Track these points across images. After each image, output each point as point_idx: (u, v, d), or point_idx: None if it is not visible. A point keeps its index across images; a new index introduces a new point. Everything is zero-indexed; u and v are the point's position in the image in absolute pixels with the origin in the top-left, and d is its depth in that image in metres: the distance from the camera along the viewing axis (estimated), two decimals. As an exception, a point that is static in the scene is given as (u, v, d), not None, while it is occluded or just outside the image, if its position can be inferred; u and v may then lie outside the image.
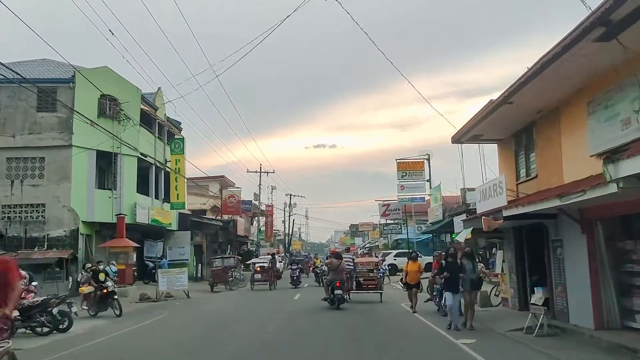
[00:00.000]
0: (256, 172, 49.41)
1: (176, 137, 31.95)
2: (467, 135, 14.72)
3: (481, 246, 30.07)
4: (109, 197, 25.41)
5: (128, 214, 25.86)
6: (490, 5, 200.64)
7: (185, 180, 30.76)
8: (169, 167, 30.75)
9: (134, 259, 25.65)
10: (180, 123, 34.48)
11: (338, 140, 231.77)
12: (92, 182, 24.89)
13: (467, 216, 18.29)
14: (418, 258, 16.30)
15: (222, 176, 51.43)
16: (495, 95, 13.16)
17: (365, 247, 77.67)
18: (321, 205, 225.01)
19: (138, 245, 26.06)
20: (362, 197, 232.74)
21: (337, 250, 29.38)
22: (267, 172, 50.12)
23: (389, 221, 48.65)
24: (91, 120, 21.20)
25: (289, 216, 77.29)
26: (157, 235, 32.63)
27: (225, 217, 41.62)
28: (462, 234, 15.04)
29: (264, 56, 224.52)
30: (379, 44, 36.55)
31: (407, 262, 16.08)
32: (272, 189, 74.79)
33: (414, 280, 15.44)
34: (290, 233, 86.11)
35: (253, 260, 28.16)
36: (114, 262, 21.90)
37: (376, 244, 70.48)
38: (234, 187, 41.74)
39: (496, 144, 15.78)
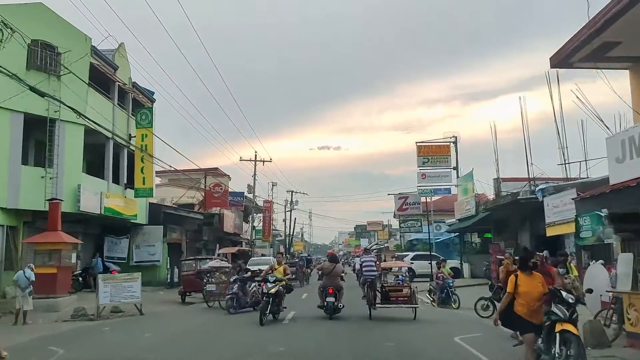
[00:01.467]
0: (250, 160, 42.91)
1: (145, 107, 25.47)
2: (590, 46, 8.18)
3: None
4: (42, 177, 18.98)
5: (68, 200, 19.46)
6: (497, 9, 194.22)
7: (153, 160, 24.27)
8: (133, 145, 24.35)
9: (73, 260, 19.21)
10: (153, 93, 28.06)
11: (342, 142, 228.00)
12: (17, 156, 18.48)
13: (578, 194, 11.56)
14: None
15: (216, 168, 45.25)
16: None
17: (373, 249, 71.12)
18: (325, 206, 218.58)
19: (79, 242, 19.61)
20: (366, 199, 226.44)
21: (334, 252, 24.76)
22: (263, 161, 43.61)
23: (399, 218, 41.91)
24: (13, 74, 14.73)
25: (290, 212, 70.85)
26: (121, 231, 26.30)
27: (217, 211, 35.18)
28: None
29: (268, 58, 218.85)
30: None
31: (514, 277, 7.37)
32: (273, 185, 68.75)
33: (536, 316, 7.23)
34: (292, 233, 79.64)
35: (211, 263, 21.56)
36: (31, 264, 15.45)
37: (385, 245, 63.92)
38: (226, 177, 35.01)
39: (628, 70, 9.21)
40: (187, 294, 21.67)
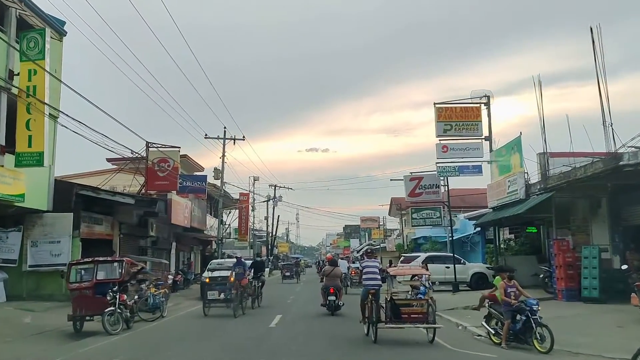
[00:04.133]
0: (218, 138, 34.31)
1: (35, 29, 16.86)
2: None
3: None
4: None
5: None
6: (485, 12, 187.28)
7: (46, 110, 15.71)
8: (15, 87, 15.88)
9: None
10: (64, 24, 19.48)
11: (331, 144, 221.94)
12: None
13: None
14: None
15: (185, 155, 36.82)
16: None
17: (367, 251, 62.78)
18: (313, 207, 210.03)
19: None
20: (353, 202, 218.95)
21: (332, 256, 24.46)
22: (234, 139, 34.89)
23: (407, 208, 33.43)
24: None
25: (273, 208, 62.47)
26: (10, 220, 17.86)
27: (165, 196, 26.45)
28: None
29: (257, 59, 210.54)
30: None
31: None
32: (255, 179, 60.49)
33: None
34: (274, 232, 71.05)
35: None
36: None
37: (381, 245, 55.62)
38: (176, 150, 25.73)
39: None
40: (86, 317, 13.25)
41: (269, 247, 70.54)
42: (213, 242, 42.98)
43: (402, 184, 28.74)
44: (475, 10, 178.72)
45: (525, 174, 19.48)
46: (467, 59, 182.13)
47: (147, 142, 23.31)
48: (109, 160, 33.64)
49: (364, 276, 12.45)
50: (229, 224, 52.59)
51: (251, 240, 62.54)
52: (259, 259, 22.90)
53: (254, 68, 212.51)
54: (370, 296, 11.33)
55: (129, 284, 15.41)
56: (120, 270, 13.32)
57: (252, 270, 18.92)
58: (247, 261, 20.40)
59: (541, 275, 18.60)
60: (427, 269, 18.00)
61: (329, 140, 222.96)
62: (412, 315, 11.05)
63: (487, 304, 11.58)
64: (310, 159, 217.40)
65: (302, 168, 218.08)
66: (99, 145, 16.95)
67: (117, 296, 12.72)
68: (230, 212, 48.80)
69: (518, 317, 10.60)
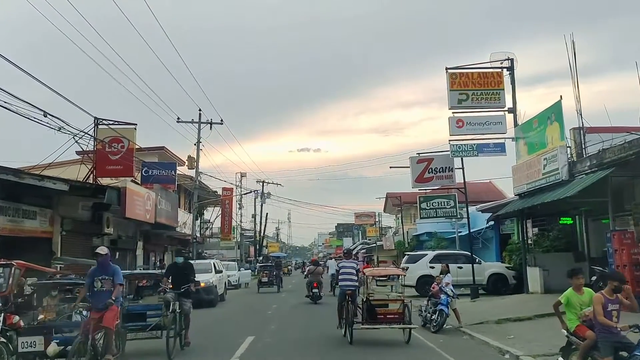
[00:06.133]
0: (192, 122, 30.02)
1: None
2: None
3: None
4: None
5: None
6: (472, 12, 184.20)
7: None
8: None
9: None
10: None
11: (322, 144, 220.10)
12: None
13: None
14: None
15: (162, 147, 32.82)
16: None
17: (361, 250, 58.79)
18: (304, 208, 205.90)
19: None
20: (346, 200, 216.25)
21: (316, 258, 29.22)
22: (211, 123, 30.54)
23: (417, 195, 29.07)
24: None
25: (261, 206, 58.32)
26: None
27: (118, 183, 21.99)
28: None
29: (249, 60, 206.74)
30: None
31: None
32: (242, 175, 56.33)
33: None
34: (263, 231, 66.67)
35: None
36: None
37: (377, 243, 51.53)
38: (131, 128, 21.00)
39: None
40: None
41: (258, 247, 66.30)
42: (192, 240, 38.60)
43: (397, 179, 24.98)
44: (463, 10, 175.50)
45: (568, 149, 15.40)
46: (456, 59, 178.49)
47: (95, 117, 18.96)
48: (78, 153, 29.82)
49: (340, 277, 12.19)
50: (212, 222, 48.34)
51: (238, 240, 58.32)
52: (180, 259, 12.35)
53: (244, 71, 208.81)
54: (346, 297, 11.22)
55: (48, 297, 11.27)
56: (7, 280, 9.01)
57: (170, 280, 11.10)
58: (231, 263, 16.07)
59: (593, 278, 14.47)
60: (449, 270, 14.04)
61: (321, 140, 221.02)
62: (387, 316, 11.22)
63: (566, 331, 7.41)
64: (302, 158, 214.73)
65: (294, 168, 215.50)
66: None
67: (1, 318, 8.48)
68: (209, 209, 44.47)
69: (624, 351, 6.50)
